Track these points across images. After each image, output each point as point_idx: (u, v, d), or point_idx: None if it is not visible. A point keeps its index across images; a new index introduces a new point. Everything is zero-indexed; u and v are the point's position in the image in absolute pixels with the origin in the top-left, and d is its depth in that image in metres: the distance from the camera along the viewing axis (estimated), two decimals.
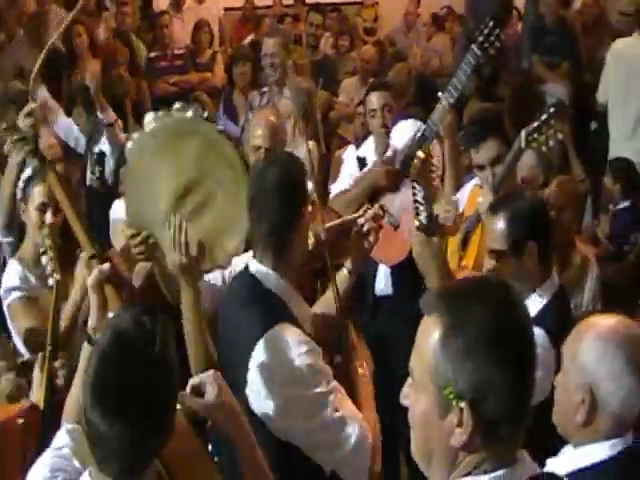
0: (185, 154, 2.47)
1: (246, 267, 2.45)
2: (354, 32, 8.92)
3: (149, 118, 2.52)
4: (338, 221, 2.86)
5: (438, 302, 1.42)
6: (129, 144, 2.58)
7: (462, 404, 1.35)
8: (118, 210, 3.64)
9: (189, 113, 2.49)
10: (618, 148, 5.58)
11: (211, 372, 2.04)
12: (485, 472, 1.39)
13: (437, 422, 1.38)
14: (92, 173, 5.08)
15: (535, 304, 2.66)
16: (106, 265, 2.25)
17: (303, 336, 2.30)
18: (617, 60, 5.81)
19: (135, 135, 2.58)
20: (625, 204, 5.03)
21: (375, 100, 3.90)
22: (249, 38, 7.45)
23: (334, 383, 2.31)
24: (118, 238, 3.38)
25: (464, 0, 8.72)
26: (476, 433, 1.36)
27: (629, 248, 4.80)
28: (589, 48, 7.69)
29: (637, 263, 4.54)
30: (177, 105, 2.53)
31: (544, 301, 2.68)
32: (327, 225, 2.70)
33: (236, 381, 2.24)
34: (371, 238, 2.64)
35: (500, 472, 1.39)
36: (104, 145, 4.96)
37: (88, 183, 5.10)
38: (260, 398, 2.27)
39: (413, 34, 9.01)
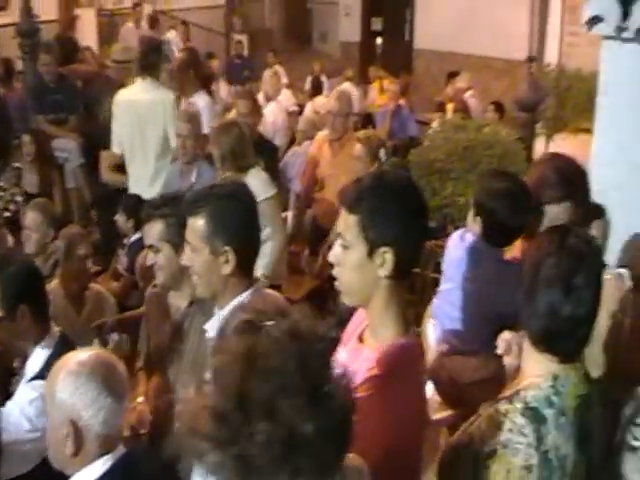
0: None
1: None
2: None
3: None
4: None
5: None
6: None
7: None
8: None
9: None
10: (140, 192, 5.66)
11: None
12: None
13: None
14: None
15: (39, 357, 2.85)
16: None
17: None
18: (127, 110, 5.74)
19: None
20: (136, 236, 5.25)
21: None
22: None
23: None
24: None
25: None
26: None
27: None
28: (92, 99, 8.08)
29: None
30: None
31: (48, 353, 2.85)
32: None
33: None
34: None
35: None
36: None
37: None
38: None
39: None
